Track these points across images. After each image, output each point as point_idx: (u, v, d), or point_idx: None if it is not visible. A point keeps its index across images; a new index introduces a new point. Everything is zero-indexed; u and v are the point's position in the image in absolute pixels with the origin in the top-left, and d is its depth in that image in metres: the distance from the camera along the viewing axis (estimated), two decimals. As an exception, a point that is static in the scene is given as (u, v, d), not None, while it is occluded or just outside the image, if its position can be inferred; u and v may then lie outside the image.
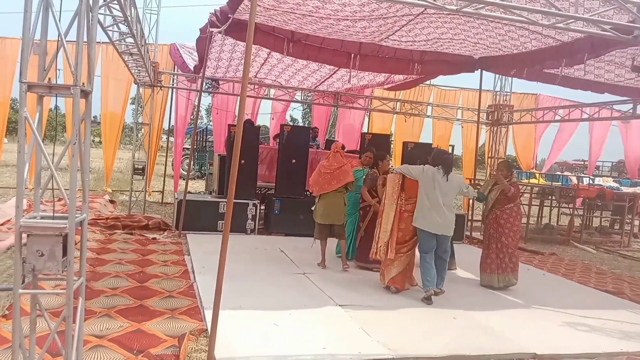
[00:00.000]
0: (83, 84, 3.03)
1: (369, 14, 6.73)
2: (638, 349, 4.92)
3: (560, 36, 7.07)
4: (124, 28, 6.61)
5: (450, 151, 13.79)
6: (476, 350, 4.51)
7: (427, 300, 5.87)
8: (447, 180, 6.04)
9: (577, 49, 7.08)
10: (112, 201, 11.92)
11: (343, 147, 7.62)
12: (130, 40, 7.27)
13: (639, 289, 7.63)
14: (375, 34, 7.87)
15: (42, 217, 3.08)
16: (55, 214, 3.09)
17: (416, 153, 9.73)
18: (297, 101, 13.01)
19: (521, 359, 4.48)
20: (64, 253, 2.98)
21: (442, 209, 6.00)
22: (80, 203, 3.20)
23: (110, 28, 6.57)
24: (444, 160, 6.10)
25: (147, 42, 9.43)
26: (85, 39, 3.05)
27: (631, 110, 10.41)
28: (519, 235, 7.06)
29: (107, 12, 5.96)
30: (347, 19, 7.02)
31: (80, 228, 3.20)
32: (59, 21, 3.01)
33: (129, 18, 5.85)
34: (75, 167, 2.98)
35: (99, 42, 11.49)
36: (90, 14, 3.11)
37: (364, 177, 7.22)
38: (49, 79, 3.00)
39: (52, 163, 2.93)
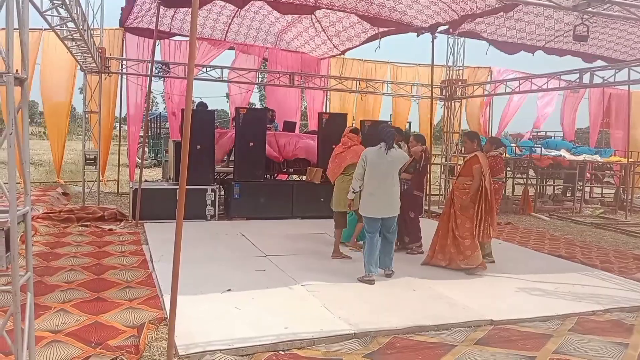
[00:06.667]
0: (17, 70, 2.88)
1: None
2: (588, 309, 5.14)
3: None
4: (64, 12, 6.32)
5: (407, 127, 14.00)
6: (435, 320, 4.61)
7: (369, 282, 5.69)
8: (387, 155, 5.80)
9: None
10: (65, 193, 11.55)
11: (355, 131, 7.09)
12: (71, 25, 6.96)
13: (590, 253, 7.95)
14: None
15: (-18, 213, 2.94)
16: (-4, 209, 2.96)
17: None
18: (251, 82, 12.80)
19: (479, 325, 4.60)
20: (8, 248, 2.87)
21: (385, 190, 5.81)
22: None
23: (49, 13, 6.27)
24: (389, 137, 5.84)
25: (90, 26, 9.06)
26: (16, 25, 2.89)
27: (577, 80, 10.69)
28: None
29: (44, -4, 5.69)
30: None
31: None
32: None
33: (67, 1, 5.59)
34: (12, 158, 2.84)
35: (41, 29, 11.03)
36: (21, -3, 2.94)
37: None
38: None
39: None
